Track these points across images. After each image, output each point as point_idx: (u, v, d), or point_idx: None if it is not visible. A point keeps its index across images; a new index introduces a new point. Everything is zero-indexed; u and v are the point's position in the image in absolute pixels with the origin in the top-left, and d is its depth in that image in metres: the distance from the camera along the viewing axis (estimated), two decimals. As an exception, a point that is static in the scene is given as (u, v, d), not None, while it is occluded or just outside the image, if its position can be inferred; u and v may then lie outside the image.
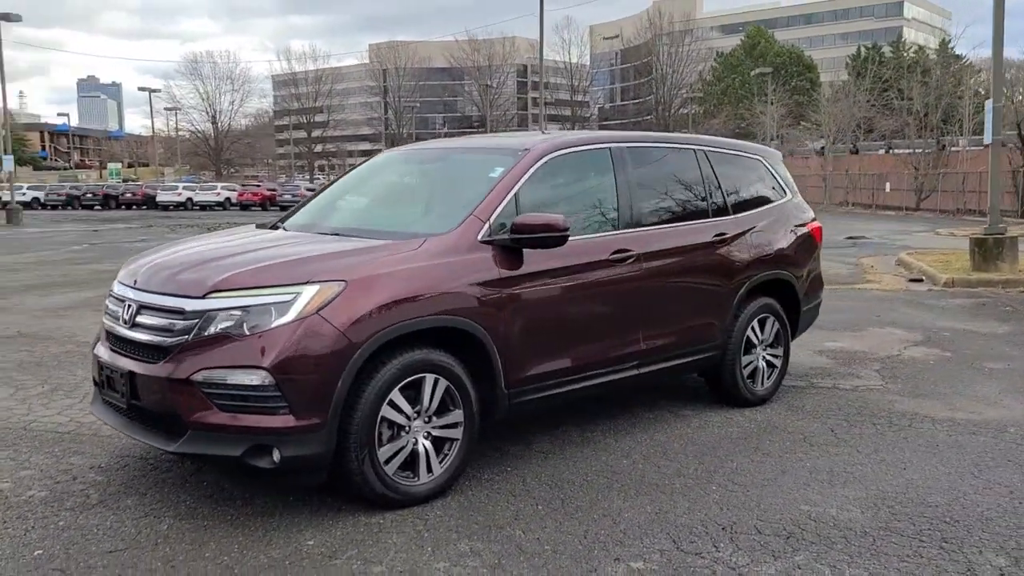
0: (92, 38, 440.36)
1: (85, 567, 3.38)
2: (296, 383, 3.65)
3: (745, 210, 5.88)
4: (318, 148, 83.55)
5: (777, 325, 5.97)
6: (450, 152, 5.56)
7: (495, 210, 4.41)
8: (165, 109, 71.74)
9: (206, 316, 3.74)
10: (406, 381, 3.96)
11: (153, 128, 78.74)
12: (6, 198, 35.53)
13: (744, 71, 72.41)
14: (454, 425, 4.17)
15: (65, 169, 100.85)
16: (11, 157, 33.64)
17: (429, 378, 4.04)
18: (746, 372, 5.77)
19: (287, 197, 48.79)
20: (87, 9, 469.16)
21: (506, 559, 3.49)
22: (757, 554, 3.57)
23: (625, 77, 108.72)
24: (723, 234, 5.56)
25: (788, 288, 6.08)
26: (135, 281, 4.17)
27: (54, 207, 52.34)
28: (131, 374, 3.90)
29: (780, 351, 6.03)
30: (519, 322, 4.37)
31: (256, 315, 3.70)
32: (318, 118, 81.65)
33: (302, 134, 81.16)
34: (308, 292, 3.74)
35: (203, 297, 3.78)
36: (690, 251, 5.35)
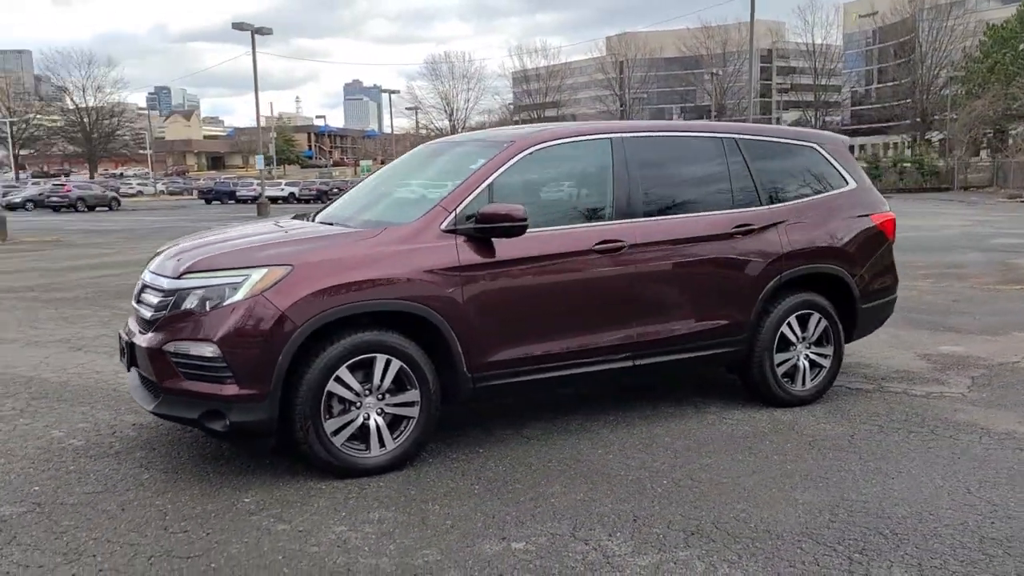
0: (357, 44, 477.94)
1: (57, 503, 4.06)
2: (240, 356, 4.13)
3: (784, 200, 5.66)
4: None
5: (824, 323, 5.69)
6: (453, 145, 5.82)
7: (463, 201, 4.66)
8: (407, 109, 76.86)
9: (178, 294, 4.31)
10: (355, 360, 4.31)
11: (392, 127, 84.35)
12: (271, 193, 39.81)
13: (1016, 44, 65.10)
14: (410, 404, 4.48)
15: (325, 167, 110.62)
16: (261, 157, 37.81)
17: (380, 358, 4.37)
18: (781, 371, 5.57)
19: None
20: (353, 19, 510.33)
21: (401, 529, 3.76)
22: (644, 546, 3.59)
23: (882, 57, 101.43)
24: (746, 225, 5.40)
25: (839, 284, 5.76)
26: (151, 264, 4.85)
27: (306, 200, 57.51)
28: (130, 344, 4.58)
29: (829, 350, 5.74)
30: (483, 309, 4.59)
31: (214, 295, 4.22)
32: (549, 113, 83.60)
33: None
34: (256, 275, 4.21)
35: (178, 277, 4.36)
36: (700, 243, 5.26)
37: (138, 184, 69.66)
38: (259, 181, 43.05)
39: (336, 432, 4.32)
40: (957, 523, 3.79)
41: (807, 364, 5.67)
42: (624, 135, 5.25)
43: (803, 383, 5.67)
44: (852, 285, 5.78)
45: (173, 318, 4.30)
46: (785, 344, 5.59)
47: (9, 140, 79.45)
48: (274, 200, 55.11)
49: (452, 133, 74.94)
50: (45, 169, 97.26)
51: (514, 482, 4.34)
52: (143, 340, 4.43)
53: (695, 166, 5.54)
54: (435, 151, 5.83)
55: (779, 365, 5.57)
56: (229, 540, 3.63)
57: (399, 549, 3.55)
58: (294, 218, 5.74)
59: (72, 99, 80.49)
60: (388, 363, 4.39)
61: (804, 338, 5.66)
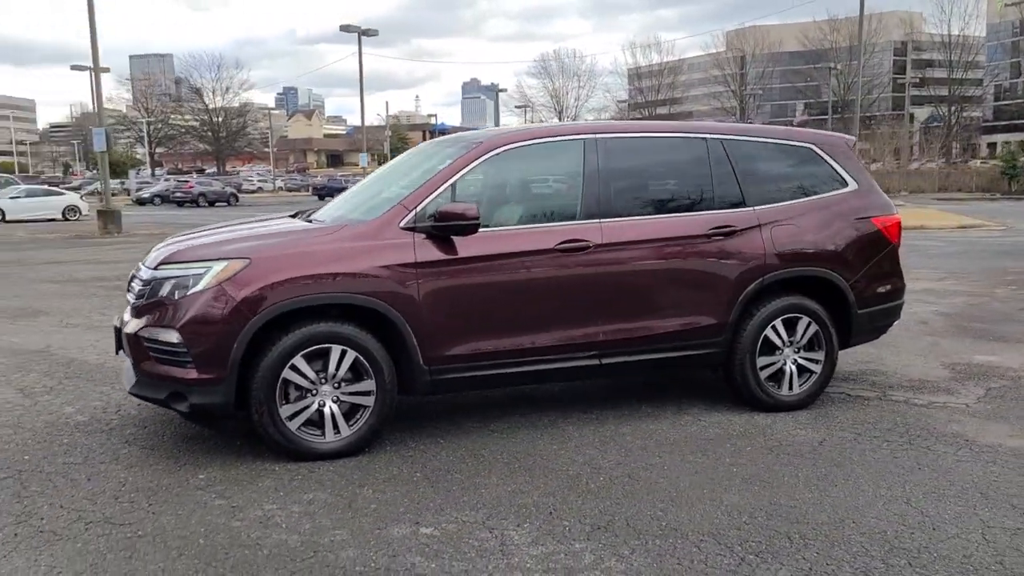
0: (476, 44, 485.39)
1: (35, 471, 4.50)
2: (199, 342, 4.47)
3: (772, 202, 5.61)
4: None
5: (815, 327, 5.61)
6: (439, 145, 5.99)
7: (425, 200, 4.86)
8: (516, 107, 77.55)
9: (153, 284, 4.69)
10: (311, 350, 4.59)
11: (498, 124, 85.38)
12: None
13: None
14: (366, 393, 4.72)
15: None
16: (364, 155, 39.16)
17: (336, 349, 4.63)
18: (764, 374, 5.53)
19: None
20: (474, 19, 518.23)
21: (325, 510, 4.00)
22: (545, 537, 3.71)
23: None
24: (725, 227, 5.39)
25: (832, 288, 5.67)
26: (147, 256, 5.26)
27: None
28: (118, 329, 4.99)
29: (819, 356, 5.65)
30: (440, 304, 4.78)
31: (180, 285, 4.58)
32: (660, 110, 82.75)
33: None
34: (217, 267, 4.54)
35: (155, 268, 4.74)
36: (674, 244, 5.29)
37: (259, 181, 72.86)
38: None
39: (291, 417, 4.60)
40: (874, 532, 3.75)
41: (794, 369, 5.61)
42: (599, 136, 5.32)
43: (790, 388, 5.60)
44: (846, 290, 5.67)
45: (149, 306, 4.68)
46: (771, 348, 5.54)
47: (146, 139, 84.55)
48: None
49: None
50: (179, 166, 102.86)
51: (456, 472, 4.51)
52: (127, 326, 4.83)
53: (674, 167, 5.56)
54: (423, 151, 6.04)
55: (763, 369, 5.53)
56: (165, 512, 3.96)
57: (313, 528, 3.79)
58: (291, 215, 6.06)
59: (203, 100, 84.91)
60: (343, 353, 4.64)
61: (791, 342, 5.59)
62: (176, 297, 4.56)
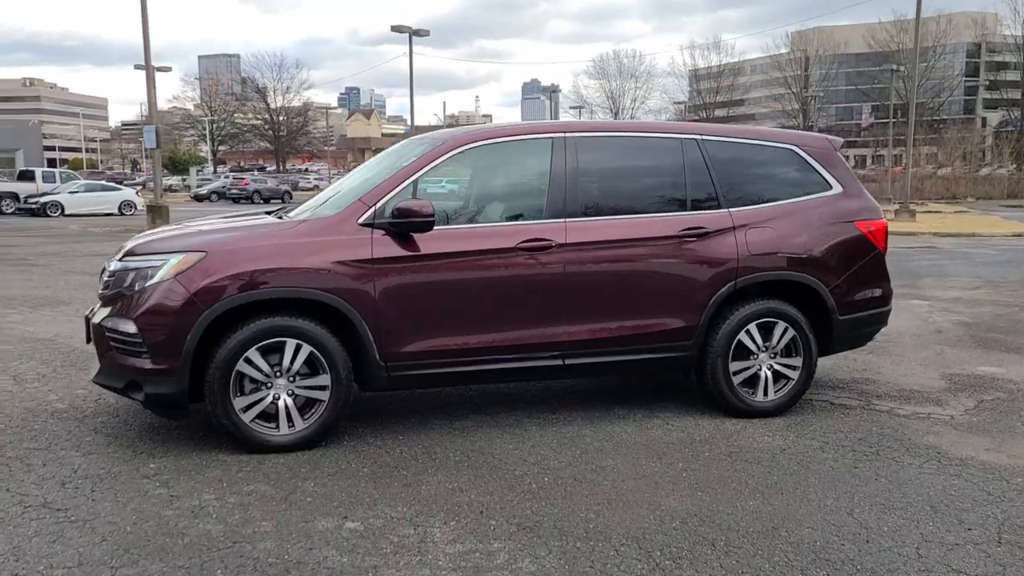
0: (537, 45, 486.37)
1: (16, 452, 4.66)
2: (153, 333, 4.57)
3: (750, 204, 5.52)
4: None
5: (792, 333, 5.50)
6: (410, 142, 5.99)
7: (384, 196, 4.90)
8: (570, 108, 77.35)
9: (117, 275, 4.81)
10: (265, 343, 4.65)
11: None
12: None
13: None
14: (321, 388, 4.77)
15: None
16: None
17: (290, 343, 4.69)
18: (738, 379, 5.44)
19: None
20: (535, 20, 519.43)
21: (260, 501, 4.06)
22: (467, 535, 3.71)
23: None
24: (697, 228, 5.32)
25: (810, 293, 5.55)
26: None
27: None
28: (87, 319, 5.13)
29: (797, 362, 5.54)
30: (397, 301, 4.81)
31: (140, 276, 4.69)
32: (719, 112, 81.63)
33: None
34: (173, 260, 4.64)
35: (120, 260, 4.86)
36: (641, 245, 5.24)
37: (315, 179, 74.00)
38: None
39: (245, 409, 4.67)
40: (803, 542, 3.67)
41: (770, 374, 5.51)
42: (568, 135, 5.29)
43: (765, 394, 5.51)
44: (825, 295, 5.55)
45: (112, 297, 4.81)
46: (745, 352, 5.45)
47: (208, 137, 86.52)
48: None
49: (619, 132, 75.19)
50: (241, 164, 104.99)
51: (404, 468, 4.54)
52: (94, 316, 4.96)
53: (646, 168, 5.51)
54: (397, 149, 6.08)
55: (736, 374, 5.44)
56: (105, 499, 4.05)
57: (242, 519, 3.84)
58: (267, 213, 6.12)
59: (265, 99, 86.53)
60: (298, 348, 4.70)
61: (767, 347, 5.49)
62: (136, 288, 4.68)
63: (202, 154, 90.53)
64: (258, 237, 4.88)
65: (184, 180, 63.32)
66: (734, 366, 5.43)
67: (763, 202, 5.56)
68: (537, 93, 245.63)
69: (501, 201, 5.36)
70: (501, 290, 5.02)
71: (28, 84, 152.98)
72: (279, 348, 4.69)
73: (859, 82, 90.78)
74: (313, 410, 4.79)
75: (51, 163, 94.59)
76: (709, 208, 5.43)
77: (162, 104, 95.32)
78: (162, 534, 3.68)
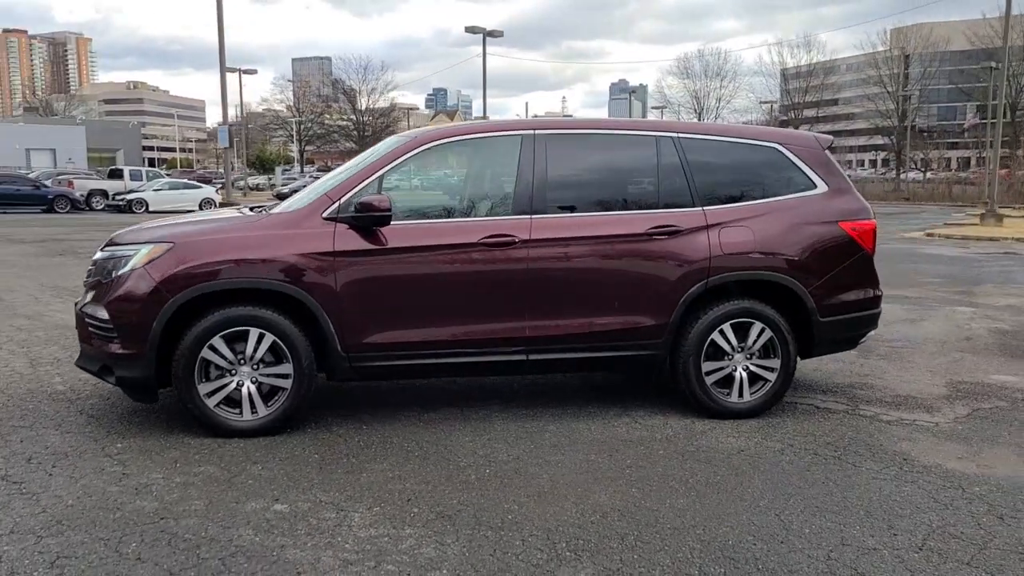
0: (627, 46, 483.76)
1: (3, 429, 4.99)
2: (123, 320, 4.83)
3: (727, 202, 5.48)
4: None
5: (769, 334, 5.44)
6: (389, 139, 6.10)
7: (349, 192, 5.05)
8: (653, 108, 76.47)
9: (98, 264, 5.10)
10: (229, 331, 4.86)
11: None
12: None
13: None
14: (285, 376, 4.96)
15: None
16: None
17: (254, 331, 4.89)
18: (711, 379, 5.41)
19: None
20: (625, 20, 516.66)
21: (203, 482, 4.25)
22: (384, 520, 3.82)
23: None
24: (667, 226, 5.30)
25: (788, 294, 5.48)
26: None
27: None
28: (76, 305, 5.44)
29: (775, 363, 5.47)
30: (358, 293, 4.96)
31: (114, 266, 4.95)
32: (808, 113, 79.52)
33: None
34: (144, 250, 4.89)
35: (102, 250, 5.15)
36: (608, 242, 5.25)
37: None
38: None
39: (210, 394, 4.89)
40: (715, 540, 3.66)
41: (745, 375, 5.45)
42: (538, 132, 5.35)
43: (740, 395, 5.46)
44: (805, 296, 5.46)
45: (92, 285, 5.10)
46: (719, 352, 5.42)
47: (295, 137, 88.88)
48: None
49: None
50: (328, 164, 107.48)
51: (354, 456, 4.68)
52: (79, 304, 5.26)
53: (619, 166, 5.52)
54: (376, 147, 6.21)
55: (709, 374, 5.41)
56: (60, 475, 4.31)
57: (179, 498, 4.04)
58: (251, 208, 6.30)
59: (353, 101, 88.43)
60: (261, 336, 4.89)
61: (743, 348, 5.44)
62: (110, 277, 4.94)
63: (291, 153, 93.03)
64: (225, 230, 5.10)
65: (270, 179, 65.24)
66: (707, 366, 5.40)
67: (741, 201, 5.51)
68: (624, 93, 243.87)
69: (469, 197, 5.46)
70: (463, 285, 5.11)
71: (132, 87, 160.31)
72: (243, 336, 4.89)
73: (960, 81, 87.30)
74: (276, 397, 4.97)
75: (151, 162, 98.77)
76: (682, 206, 5.41)
77: (255, 106, 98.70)
78: (99, 508, 3.90)
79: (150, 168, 47.76)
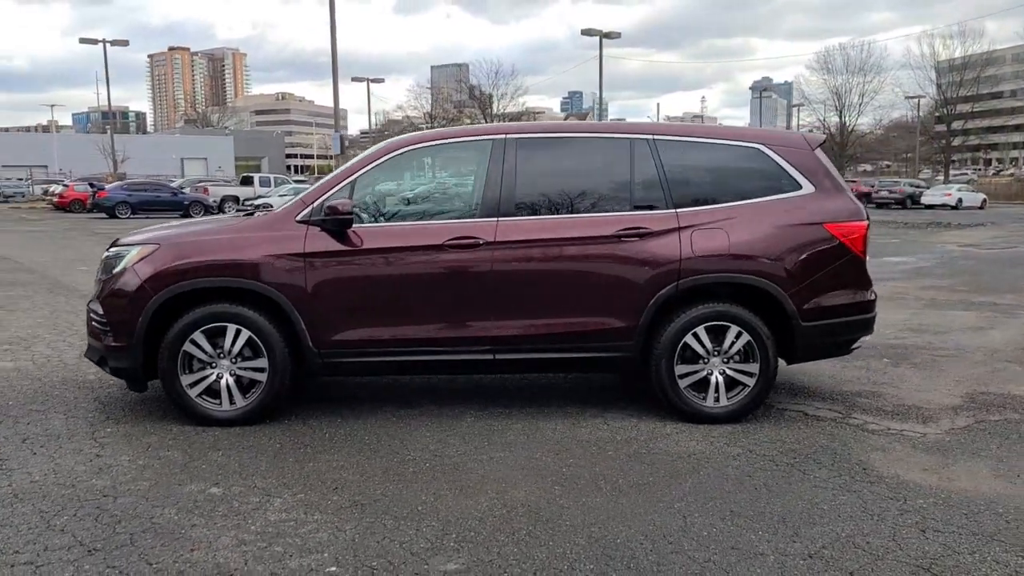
0: (772, 43, 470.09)
1: (4, 412, 5.55)
2: (114, 314, 5.29)
3: (703, 204, 5.45)
4: (956, 142, 76.51)
5: (747, 338, 5.38)
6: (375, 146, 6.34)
7: (322, 196, 5.35)
8: (791, 106, 73.93)
9: (103, 264, 5.59)
10: (209, 327, 5.25)
11: (788, 126, 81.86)
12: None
13: None
14: (261, 370, 5.30)
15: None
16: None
17: (231, 327, 5.25)
18: (685, 383, 5.40)
19: (883, 193, 47.54)
20: (771, 15, 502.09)
21: (160, 464, 4.62)
22: (297, 506, 4.07)
23: None
24: (636, 228, 5.33)
25: (767, 297, 5.40)
26: None
27: None
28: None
29: (753, 368, 5.41)
30: (327, 292, 5.24)
31: (111, 265, 5.43)
32: (961, 107, 74.80)
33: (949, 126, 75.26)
34: (134, 251, 5.33)
35: (107, 250, 5.64)
36: (575, 244, 5.33)
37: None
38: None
39: (192, 385, 5.28)
40: (604, 539, 3.72)
41: (722, 380, 5.41)
42: (510, 137, 5.49)
43: (716, 399, 5.42)
44: (784, 299, 5.36)
45: (96, 282, 5.60)
46: (694, 356, 5.40)
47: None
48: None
49: (841, 130, 71.12)
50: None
51: (312, 447, 4.95)
52: (89, 300, 5.78)
53: (591, 168, 5.57)
54: (362, 153, 6.49)
55: (683, 377, 5.40)
56: (44, 454, 4.77)
57: (130, 479, 4.41)
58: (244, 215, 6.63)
59: (480, 106, 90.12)
60: (238, 332, 5.25)
61: (718, 351, 5.40)
62: (108, 275, 5.42)
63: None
64: (207, 232, 5.49)
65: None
66: (681, 369, 5.39)
67: (718, 203, 5.47)
68: (768, 92, 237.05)
69: (439, 200, 5.66)
70: (430, 286, 5.30)
71: (280, 98, 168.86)
72: (222, 332, 5.26)
73: None
74: (253, 390, 5.31)
75: (297, 169, 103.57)
76: (655, 208, 5.42)
77: (393, 113, 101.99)
78: (57, 485, 4.32)
79: (278, 175, 50.20)
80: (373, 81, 52.35)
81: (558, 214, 5.45)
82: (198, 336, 5.24)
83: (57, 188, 43.01)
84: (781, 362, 5.60)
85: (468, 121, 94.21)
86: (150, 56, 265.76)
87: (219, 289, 5.27)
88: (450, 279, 5.29)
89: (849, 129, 71.40)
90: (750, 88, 79.21)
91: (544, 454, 4.83)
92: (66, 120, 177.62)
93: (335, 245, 5.25)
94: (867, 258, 5.61)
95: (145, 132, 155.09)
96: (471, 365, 5.47)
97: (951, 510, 4.06)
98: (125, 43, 44.96)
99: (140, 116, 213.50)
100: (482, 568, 3.46)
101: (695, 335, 5.36)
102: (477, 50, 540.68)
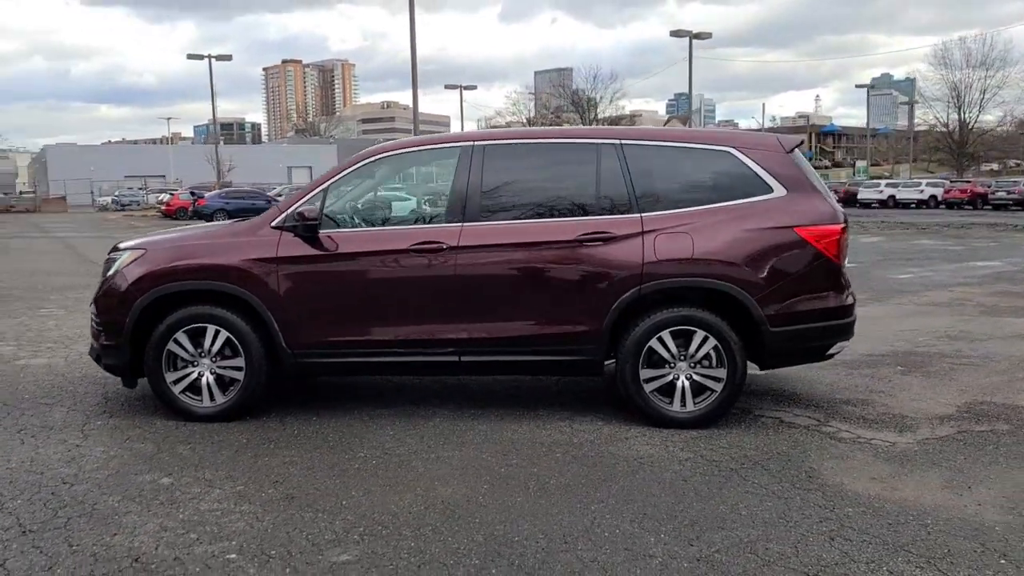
0: (891, 39, 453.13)
1: (17, 402, 6.03)
2: (104, 315, 5.68)
3: (669, 208, 5.47)
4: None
5: (714, 342, 5.37)
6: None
7: (295, 203, 5.61)
8: (901, 103, 71.12)
9: (105, 265, 6.00)
10: (191, 327, 5.58)
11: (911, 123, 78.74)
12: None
13: None
14: (239, 369, 5.60)
15: (826, 168, 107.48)
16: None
17: (211, 328, 5.57)
18: (650, 387, 5.43)
19: (1000, 194, 45.39)
20: (890, 8, 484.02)
21: (129, 456, 4.94)
22: (231, 497, 4.30)
23: None
24: (599, 232, 5.38)
25: (733, 302, 5.37)
26: None
27: None
28: (98, 302, 6.39)
29: (720, 373, 5.39)
30: (298, 295, 5.49)
31: (107, 269, 5.83)
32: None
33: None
34: (125, 256, 5.72)
35: (109, 252, 6.05)
36: (537, 248, 5.41)
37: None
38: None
39: (176, 382, 5.62)
40: (504, 537, 3.82)
41: (688, 384, 5.41)
42: (477, 144, 5.63)
43: (683, 404, 5.42)
44: (750, 304, 5.32)
45: (100, 284, 6.01)
46: (659, 360, 5.42)
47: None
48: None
49: (960, 127, 68.02)
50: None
51: (274, 443, 5.19)
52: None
53: (557, 173, 5.65)
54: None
55: (648, 381, 5.43)
56: (28, 443, 5.17)
57: (95, 467, 4.74)
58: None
59: (579, 110, 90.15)
60: (217, 332, 5.56)
61: (684, 356, 5.40)
62: (103, 278, 5.82)
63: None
64: (192, 237, 5.83)
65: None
66: (646, 373, 5.41)
67: (686, 207, 5.47)
68: (887, 89, 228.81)
69: (408, 207, 5.85)
70: (396, 288, 5.49)
71: (385, 107, 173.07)
72: (203, 332, 5.58)
73: None
74: (232, 387, 5.61)
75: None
76: (620, 212, 5.46)
77: (495, 119, 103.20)
78: (27, 472, 4.69)
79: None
80: (466, 88, 52.89)
81: (523, 219, 5.55)
82: (181, 336, 5.57)
83: (165, 197, 45.30)
84: (784, 370, 5.53)
85: (567, 126, 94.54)
86: (265, 69, 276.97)
87: (200, 292, 5.59)
88: (415, 283, 5.47)
89: (969, 126, 68.27)
90: (865, 85, 76.10)
91: (491, 454, 4.94)
92: (188, 132, 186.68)
93: (306, 250, 5.50)
94: (843, 262, 5.52)
95: (258, 142, 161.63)
96: (437, 367, 5.63)
97: (876, 519, 3.99)
98: (228, 58, 46.94)
99: (255, 127, 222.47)
100: (371, 560, 3.61)
101: (660, 339, 5.38)
102: (583, 53, 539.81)
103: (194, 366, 5.62)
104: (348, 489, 4.42)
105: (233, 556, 3.66)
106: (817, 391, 6.31)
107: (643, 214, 5.43)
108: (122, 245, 5.97)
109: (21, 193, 65.94)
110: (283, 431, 5.43)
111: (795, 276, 5.38)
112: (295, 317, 5.50)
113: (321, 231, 5.52)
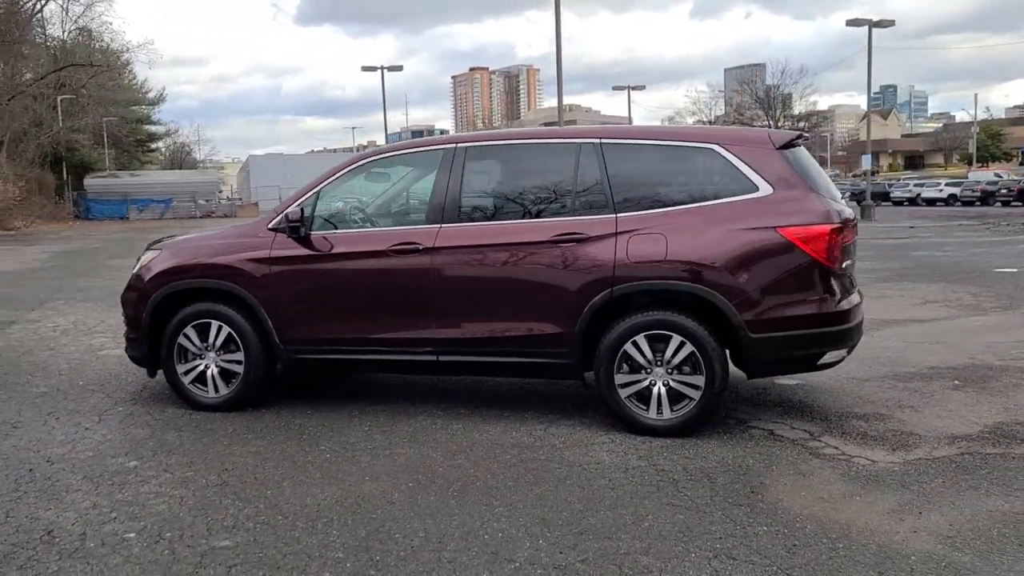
0: None
1: (59, 386, 6.68)
2: (128, 310, 6.20)
3: (645, 208, 5.34)
4: None
5: (691, 348, 5.20)
6: None
7: (290, 205, 5.91)
8: None
9: (137, 261, 6.55)
10: (196, 323, 5.99)
11: None
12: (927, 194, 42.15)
13: None
14: (239, 362, 5.97)
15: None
16: (868, 156, 37.63)
17: (214, 324, 5.96)
18: (626, 392, 5.32)
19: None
20: None
21: (121, 440, 5.37)
22: (185, 483, 4.61)
23: None
24: (572, 234, 5.32)
25: (710, 306, 5.17)
26: None
27: (968, 203, 52.09)
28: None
29: (698, 380, 5.20)
30: (288, 293, 5.78)
31: (134, 267, 6.36)
32: None
33: None
34: (146, 255, 6.22)
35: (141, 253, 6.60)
36: (512, 249, 5.40)
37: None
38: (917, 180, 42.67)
39: (186, 373, 6.06)
40: (382, 534, 3.89)
41: (664, 391, 5.26)
42: (459, 146, 5.71)
43: (659, 411, 5.28)
44: (727, 309, 5.10)
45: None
46: (636, 365, 5.30)
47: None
48: (931, 202, 52.49)
49: None
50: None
51: (252, 433, 5.46)
52: (126, 297, 6.76)
53: (535, 174, 5.63)
54: None
55: (624, 386, 5.31)
56: (46, 424, 5.72)
57: (84, 449, 5.18)
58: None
59: (765, 109, 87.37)
60: (220, 328, 5.95)
61: (664, 362, 5.25)
62: (131, 275, 6.36)
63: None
64: (202, 239, 6.25)
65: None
66: (621, 378, 5.30)
67: (664, 206, 5.32)
68: None
69: (393, 208, 5.99)
70: (377, 288, 5.67)
71: (568, 109, 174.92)
72: (209, 328, 5.98)
73: None
74: (233, 380, 5.98)
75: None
76: (597, 213, 5.38)
77: (678, 120, 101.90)
78: (25, 449, 5.21)
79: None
80: (634, 89, 52.59)
81: (500, 220, 5.58)
82: (190, 331, 5.99)
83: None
84: (816, 380, 5.25)
85: (757, 124, 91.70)
86: (453, 77, 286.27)
87: (207, 289, 5.99)
88: (394, 283, 5.62)
89: None
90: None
91: (443, 454, 5.01)
92: (381, 140, 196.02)
93: (297, 250, 5.77)
94: (839, 265, 5.18)
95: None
96: (417, 366, 5.74)
97: (781, 540, 3.76)
98: (399, 68, 48.87)
99: (443, 133, 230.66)
100: (247, 547, 3.78)
101: (635, 344, 5.25)
102: (777, 47, 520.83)
103: (201, 359, 6.02)
104: (282, 480, 4.62)
105: (132, 536, 3.93)
106: (835, 403, 5.93)
107: (618, 215, 5.32)
108: (150, 244, 6.49)
109: (221, 200, 71.28)
110: (270, 423, 5.72)
111: (778, 280, 5.11)
112: (286, 314, 5.78)
113: (314, 232, 5.77)
